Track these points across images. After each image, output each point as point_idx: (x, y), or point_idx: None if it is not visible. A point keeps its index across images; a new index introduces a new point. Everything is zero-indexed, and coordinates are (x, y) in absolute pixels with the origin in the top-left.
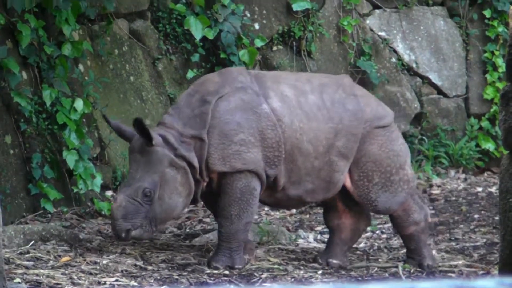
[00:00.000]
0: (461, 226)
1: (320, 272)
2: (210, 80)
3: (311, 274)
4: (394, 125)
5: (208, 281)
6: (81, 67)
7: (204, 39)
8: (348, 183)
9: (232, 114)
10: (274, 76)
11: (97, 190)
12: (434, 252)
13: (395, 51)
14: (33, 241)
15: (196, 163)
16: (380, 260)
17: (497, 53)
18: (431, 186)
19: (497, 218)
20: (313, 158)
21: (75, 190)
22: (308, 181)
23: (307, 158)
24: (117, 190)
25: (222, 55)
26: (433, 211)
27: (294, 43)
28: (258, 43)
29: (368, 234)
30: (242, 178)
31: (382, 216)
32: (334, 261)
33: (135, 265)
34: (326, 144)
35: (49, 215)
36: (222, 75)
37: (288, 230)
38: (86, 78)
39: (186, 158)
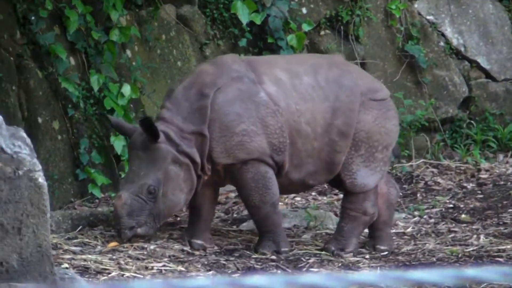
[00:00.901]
0: (510, 210)
1: (367, 256)
2: (206, 72)
3: (358, 259)
4: (390, 103)
5: (255, 266)
6: (128, 52)
7: (251, 24)
8: None
9: (231, 106)
10: (266, 61)
11: None
12: (482, 237)
13: (443, 35)
14: (80, 227)
15: (198, 158)
16: (427, 244)
17: None
18: (479, 170)
19: None
20: (312, 140)
21: (123, 176)
22: (310, 163)
23: (307, 140)
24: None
25: (270, 40)
26: (481, 196)
27: (341, 27)
28: (306, 27)
29: (416, 219)
30: (250, 169)
31: (429, 200)
32: (382, 247)
33: (182, 250)
34: (324, 124)
35: (97, 200)
36: (217, 65)
37: (336, 215)
38: (134, 63)
39: (189, 154)
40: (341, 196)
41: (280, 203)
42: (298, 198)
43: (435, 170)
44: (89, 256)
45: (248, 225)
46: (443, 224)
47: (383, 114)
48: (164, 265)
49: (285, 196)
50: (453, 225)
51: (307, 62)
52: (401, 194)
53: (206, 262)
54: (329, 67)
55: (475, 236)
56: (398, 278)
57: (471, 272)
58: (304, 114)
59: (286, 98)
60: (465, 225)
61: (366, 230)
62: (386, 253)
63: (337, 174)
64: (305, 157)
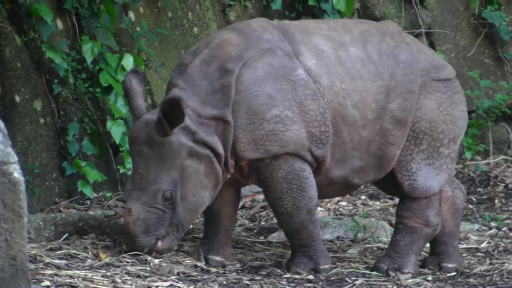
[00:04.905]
0: None
1: (429, 278)
2: (229, 42)
3: (418, 281)
4: (456, 84)
5: None
6: (131, 15)
7: None
8: None
9: (261, 85)
10: (303, 27)
11: None
12: None
13: None
14: (67, 234)
15: (221, 149)
16: (506, 263)
17: None
18: None
19: None
20: (360, 128)
21: (122, 171)
22: (356, 157)
23: (354, 128)
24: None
25: (311, 2)
26: None
27: None
28: None
29: (492, 231)
30: (282, 165)
31: (510, 208)
32: (450, 265)
33: (195, 266)
34: (376, 108)
35: (88, 202)
36: (243, 33)
37: (390, 224)
38: (138, 29)
39: (208, 143)
40: (397, 201)
41: (320, 209)
42: (343, 203)
43: None
44: (77, 271)
45: (279, 235)
46: None
47: (449, 98)
48: (171, 285)
49: (326, 200)
50: None
51: (354, 29)
52: (473, 199)
53: (225, 282)
54: (381, 36)
55: None
56: None
57: None
58: (351, 95)
59: (329, 74)
60: None
61: (428, 245)
62: (454, 273)
63: (392, 174)
64: (351, 150)
